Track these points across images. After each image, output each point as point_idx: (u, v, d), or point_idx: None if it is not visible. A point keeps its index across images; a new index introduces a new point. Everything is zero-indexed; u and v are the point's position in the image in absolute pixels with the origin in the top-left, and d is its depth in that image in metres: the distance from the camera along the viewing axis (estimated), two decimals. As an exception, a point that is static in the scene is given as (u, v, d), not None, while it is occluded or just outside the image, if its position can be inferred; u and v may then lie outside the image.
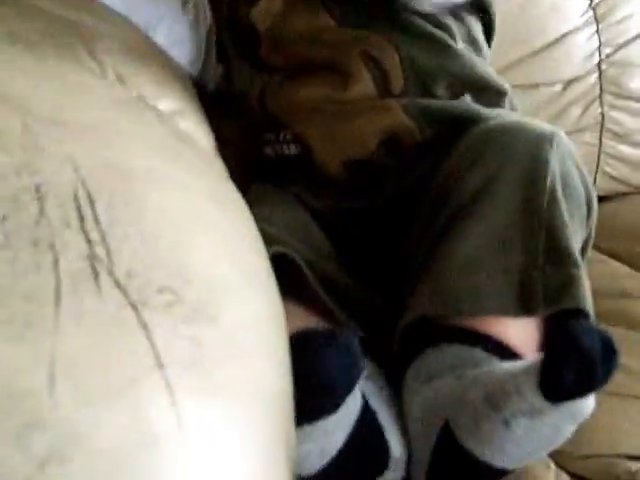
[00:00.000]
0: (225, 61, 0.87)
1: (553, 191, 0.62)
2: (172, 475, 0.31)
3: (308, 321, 0.63)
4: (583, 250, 0.67)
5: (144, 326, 0.35)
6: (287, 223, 0.70)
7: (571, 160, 0.65)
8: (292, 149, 0.77)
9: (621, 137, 1.15)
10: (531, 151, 0.63)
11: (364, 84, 0.73)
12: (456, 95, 0.74)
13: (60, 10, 0.64)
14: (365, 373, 0.55)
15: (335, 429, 0.56)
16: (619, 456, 0.64)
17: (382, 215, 0.74)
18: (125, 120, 0.52)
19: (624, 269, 0.93)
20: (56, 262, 0.35)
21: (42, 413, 0.29)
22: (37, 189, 0.37)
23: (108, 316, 0.34)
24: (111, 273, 0.36)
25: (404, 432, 0.61)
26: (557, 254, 0.61)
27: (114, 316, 0.34)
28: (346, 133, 0.74)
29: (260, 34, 0.78)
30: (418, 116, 0.72)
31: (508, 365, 0.57)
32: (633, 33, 1.16)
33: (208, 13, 0.87)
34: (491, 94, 0.77)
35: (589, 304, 0.61)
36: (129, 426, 0.31)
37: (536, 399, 0.52)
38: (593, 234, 0.69)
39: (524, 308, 0.60)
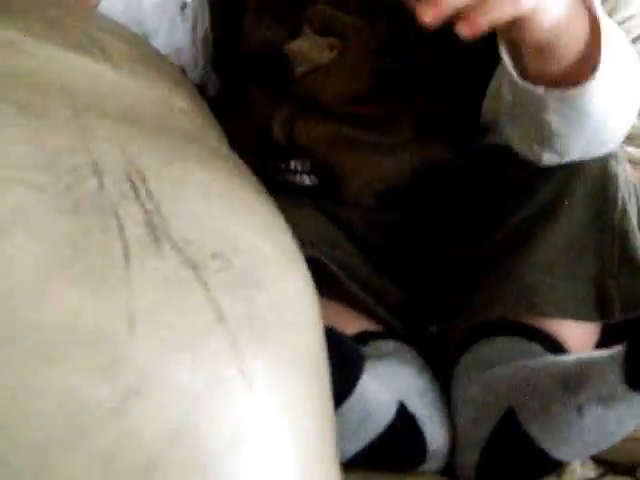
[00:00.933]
0: (222, 76, 0.90)
1: (624, 204, 0.67)
2: (237, 411, 0.35)
3: (344, 318, 0.68)
4: None
5: (204, 284, 0.39)
6: (307, 225, 0.71)
7: (629, 173, 0.70)
8: (307, 180, 0.77)
9: (629, 139, 1.18)
10: (599, 166, 0.67)
11: (405, 130, 0.75)
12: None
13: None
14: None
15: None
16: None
17: (413, 224, 0.77)
18: (154, 112, 0.56)
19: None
20: (121, 227, 0.38)
21: (125, 351, 0.33)
22: (94, 165, 0.41)
23: (172, 274, 0.38)
24: (169, 238, 0.40)
25: (445, 423, 0.65)
26: (631, 264, 0.66)
27: (177, 274, 0.38)
28: (384, 165, 0.75)
29: (294, 67, 0.78)
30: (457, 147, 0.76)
31: (583, 354, 0.62)
32: (634, 34, 1.21)
33: (206, 19, 0.89)
34: None
35: None
36: (199, 369, 0.35)
37: (619, 385, 0.56)
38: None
39: (601, 314, 0.66)
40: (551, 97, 0.60)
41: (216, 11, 0.86)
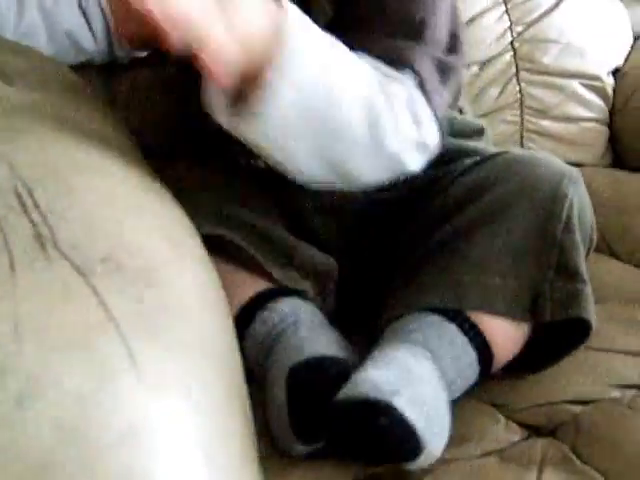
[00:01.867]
0: None
1: (569, 221, 0.73)
2: (129, 406, 0.38)
3: (258, 286, 0.75)
4: None
5: (93, 288, 0.41)
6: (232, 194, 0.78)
7: (586, 200, 0.77)
8: (261, 163, 0.80)
9: (541, 112, 1.24)
10: (553, 181, 0.74)
11: None
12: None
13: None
14: None
15: None
16: (563, 402, 0.73)
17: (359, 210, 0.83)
18: (48, 125, 0.59)
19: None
20: (6, 241, 0.41)
21: (13, 358, 0.36)
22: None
23: (60, 282, 0.41)
24: (56, 247, 0.42)
25: None
26: (567, 271, 0.73)
27: (65, 281, 0.41)
28: None
29: None
30: None
31: None
32: (542, 9, 1.26)
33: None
34: (477, 133, 0.88)
35: (593, 318, 0.72)
36: (90, 368, 0.38)
37: None
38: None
39: (528, 315, 0.72)
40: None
41: None
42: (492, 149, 0.83)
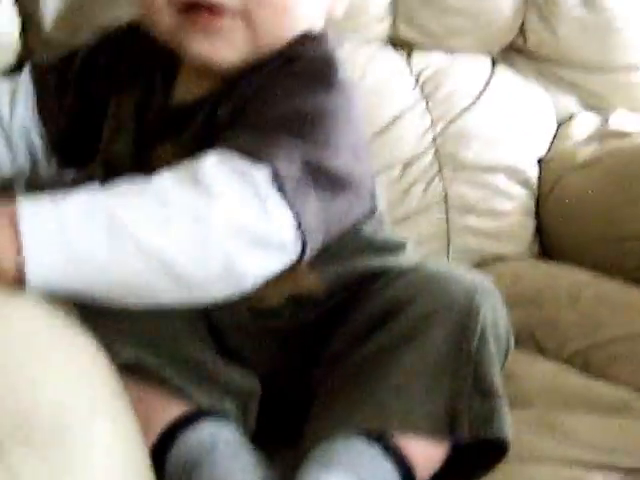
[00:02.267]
0: None
1: (483, 335, 0.76)
2: None
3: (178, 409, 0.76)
4: None
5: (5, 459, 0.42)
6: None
7: (499, 308, 0.80)
8: None
9: (466, 209, 1.28)
10: (465, 298, 0.76)
11: None
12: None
13: None
14: None
15: None
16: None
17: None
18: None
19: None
20: None
21: None
22: None
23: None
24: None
25: None
26: (483, 387, 0.75)
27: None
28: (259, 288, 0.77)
29: None
30: (328, 279, 0.83)
31: None
32: (463, 104, 1.31)
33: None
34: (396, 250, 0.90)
35: (509, 434, 0.75)
36: None
37: None
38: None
39: (447, 434, 0.74)
40: None
41: None
42: (408, 264, 0.85)
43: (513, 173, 1.32)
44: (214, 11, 0.78)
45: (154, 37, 0.85)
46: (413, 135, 1.28)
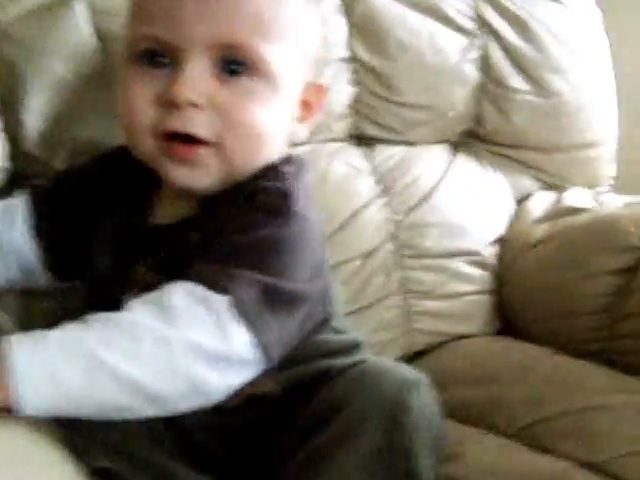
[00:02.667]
0: None
1: (414, 427, 0.86)
2: None
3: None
4: None
5: None
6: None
7: (430, 405, 0.91)
8: None
9: (425, 294, 1.37)
10: (395, 395, 0.87)
11: None
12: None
13: None
14: None
15: None
16: None
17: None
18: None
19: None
20: None
21: None
22: None
23: None
24: None
25: None
26: (414, 478, 0.86)
27: None
28: None
29: None
30: (284, 381, 0.94)
31: None
32: (419, 195, 1.41)
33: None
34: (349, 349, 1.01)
35: None
36: None
37: None
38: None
39: None
40: None
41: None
42: (347, 363, 0.95)
43: (470, 257, 1.41)
44: (189, 141, 0.91)
45: (138, 160, 0.97)
46: (373, 228, 1.37)
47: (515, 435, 1.11)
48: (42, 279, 1.12)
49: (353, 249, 1.35)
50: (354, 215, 1.36)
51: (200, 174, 0.93)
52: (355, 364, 0.94)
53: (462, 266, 1.41)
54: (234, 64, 0.91)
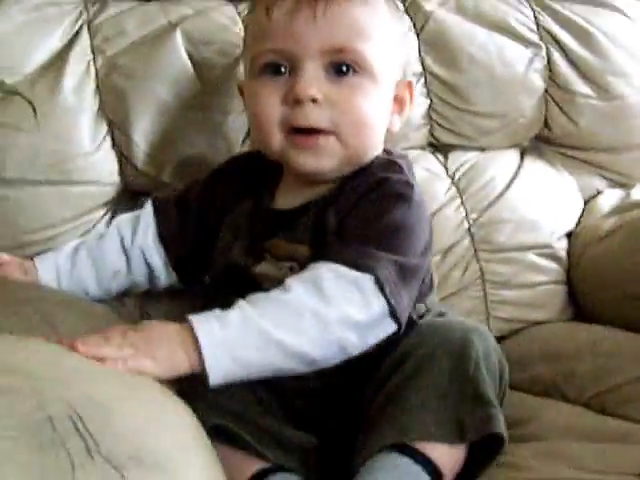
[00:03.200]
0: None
1: (477, 362, 1.01)
2: None
3: (255, 465, 1.02)
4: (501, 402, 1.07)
5: (125, 478, 0.69)
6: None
7: (489, 345, 1.06)
8: None
9: (502, 284, 1.50)
10: (460, 336, 1.03)
11: None
12: None
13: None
14: None
15: None
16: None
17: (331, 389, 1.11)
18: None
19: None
20: (69, 453, 0.69)
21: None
22: (50, 418, 0.72)
23: (104, 477, 0.68)
24: (100, 454, 0.70)
25: None
26: (481, 400, 1.01)
27: (106, 476, 0.68)
28: None
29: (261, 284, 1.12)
30: None
31: None
32: (496, 193, 1.55)
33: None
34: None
35: (505, 432, 1.01)
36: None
37: None
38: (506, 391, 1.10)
39: (459, 437, 1.00)
40: None
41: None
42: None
43: (542, 249, 1.54)
44: (312, 132, 1.10)
45: (263, 157, 1.18)
46: (451, 226, 1.51)
47: (585, 403, 1.23)
48: (165, 281, 1.32)
49: (434, 246, 1.47)
50: (433, 215, 1.47)
51: (323, 159, 1.12)
52: (428, 320, 1.13)
53: (535, 258, 1.54)
54: (341, 65, 1.10)
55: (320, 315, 0.98)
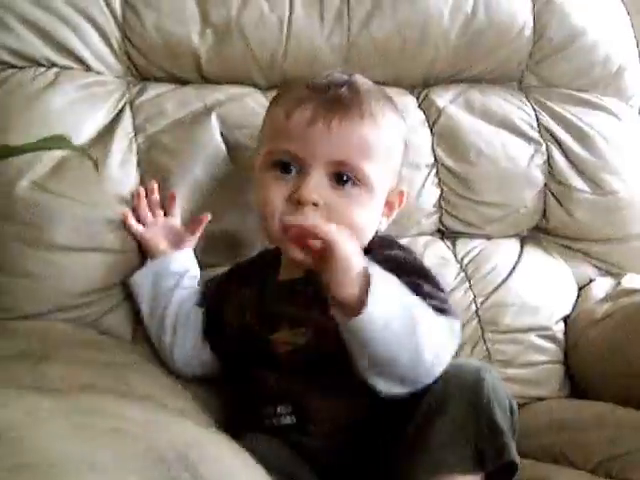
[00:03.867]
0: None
1: (488, 394, 1.12)
2: None
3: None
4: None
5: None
6: (276, 455, 1.16)
7: (498, 382, 1.17)
8: (287, 419, 1.25)
9: (506, 363, 1.61)
10: (473, 375, 1.15)
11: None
12: None
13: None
14: None
15: None
16: None
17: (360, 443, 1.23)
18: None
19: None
20: None
21: None
22: (162, 460, 0.82)
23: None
24: None
25: None
26: (496, 430, 1.12)
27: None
28: (347, 405, 1.24)
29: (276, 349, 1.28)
30: None
31: None
32: (497, 282, 1.67)
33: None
34: None
35: (517, 459, 1.13)
36: None
37: None
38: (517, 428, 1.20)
39: (479, 466, 1.12)
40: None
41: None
42: None
43: (542, 332, 1.66)
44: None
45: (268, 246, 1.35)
46: (460, 308, 1.61)
47: (592, 470, 1.34)
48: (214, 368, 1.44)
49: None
50: (445, 297, 1.61)
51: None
52: None
53: (536, 339, 1.66)
54: (343, 176, 1.25)
55: (442, 335, 1.16)
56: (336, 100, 1.26)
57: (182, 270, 1.44)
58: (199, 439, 0.92)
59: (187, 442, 0.88)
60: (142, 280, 1.43)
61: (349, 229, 1.19)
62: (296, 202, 1.23)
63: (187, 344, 1.41)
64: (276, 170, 1.27)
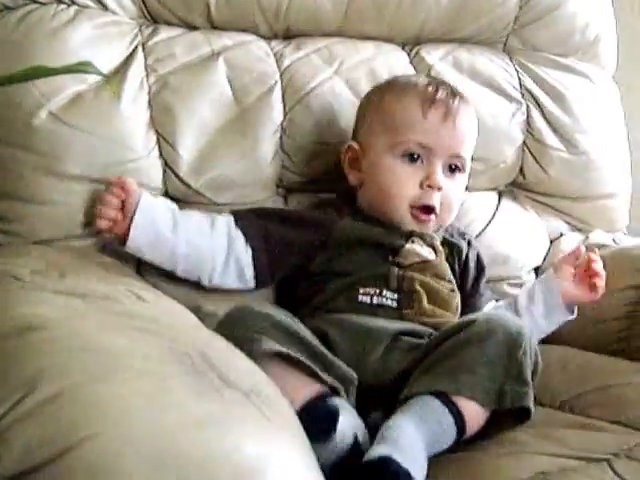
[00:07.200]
0: None
1: (525, 349, 1.22)
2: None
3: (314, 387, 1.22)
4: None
5: (252, 402, 0.88)
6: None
7: (534, 345, 1.27)
8: (389, 302, 1.44)
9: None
10: (517, 328, 1.25)
11: None
12: None
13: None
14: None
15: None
16: None
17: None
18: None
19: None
20: (209, 377, 0.88)
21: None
22: (186, 354, 0.92)
23: (236, 400, 0.88)
24: (229, 384, 0.90)
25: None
26: (521, 379, 1.21)
27: (238, 401, 0.88)
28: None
29: (406, 258, 1.50)
30: None
31: None
32: (477, 232, 1.77)
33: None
34: None
35: (533, 409, 1.23)
36: (259, 437, 0.84)
37: None
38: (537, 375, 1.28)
39: (495, 403, 1.22)
40: None
41: None
42: None
43: (513, 280, 1.78)
44: (431, 211, 1.51)
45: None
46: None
47: (558, 407, 1.43)
48: (250, 283, 1.52)
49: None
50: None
51: (430, 229, 1.54)
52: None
53: (507, 288, 1.78)
54: (453, 165, 1.53)
55: None
56: (458, 101, 1.53)
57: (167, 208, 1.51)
58: (212, 342, 1.02)
59: (211, 341, 0.98)
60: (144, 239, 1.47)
61: (452, 209, 1.55)
62: (427, 187, 1.49)
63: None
64: (405, 159, 1.51)
